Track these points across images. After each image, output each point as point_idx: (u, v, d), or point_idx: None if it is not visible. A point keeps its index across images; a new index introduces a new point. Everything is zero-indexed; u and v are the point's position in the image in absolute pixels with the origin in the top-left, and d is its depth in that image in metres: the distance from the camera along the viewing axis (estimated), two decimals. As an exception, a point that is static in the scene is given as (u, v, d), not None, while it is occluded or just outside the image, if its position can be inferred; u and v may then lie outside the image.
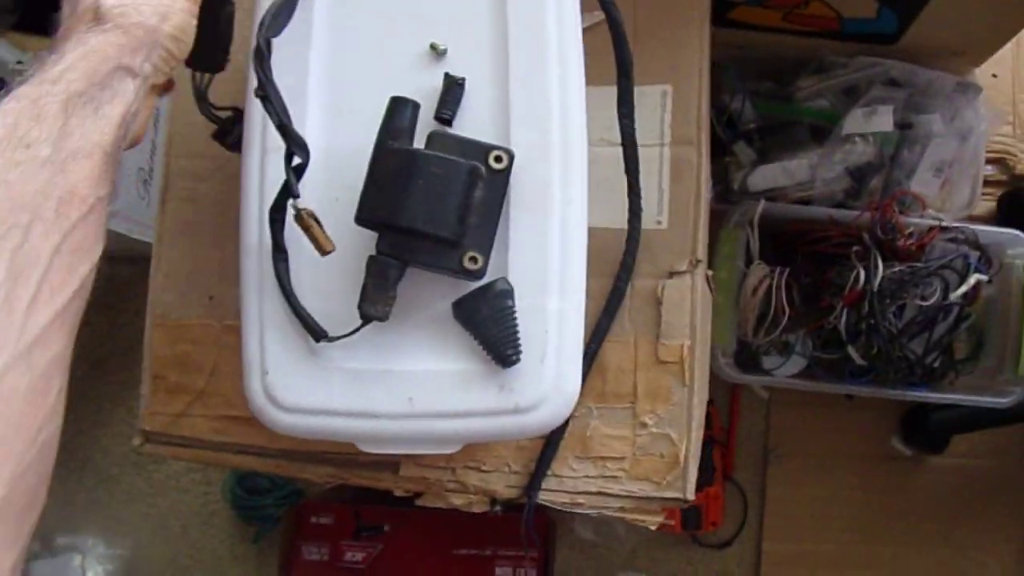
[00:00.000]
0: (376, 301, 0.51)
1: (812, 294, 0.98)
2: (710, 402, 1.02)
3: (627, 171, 0.63)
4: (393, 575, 0.90)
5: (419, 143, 0.53)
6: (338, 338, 0.53)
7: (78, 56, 0.47)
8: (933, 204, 0.98)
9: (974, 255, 0.94)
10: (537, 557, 0.89)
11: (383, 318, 0.51)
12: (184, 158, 0.71)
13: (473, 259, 0.52)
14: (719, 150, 1.02)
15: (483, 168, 0.53)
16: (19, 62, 0.99)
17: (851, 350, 0.95)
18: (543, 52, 0.56)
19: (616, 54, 0.59)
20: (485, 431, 0.55)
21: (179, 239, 0.71)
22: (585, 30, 0.58)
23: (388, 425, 0.55)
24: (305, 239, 0.51)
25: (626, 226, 0.65)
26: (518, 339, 0.53)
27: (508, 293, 0.54)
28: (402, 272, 0.51)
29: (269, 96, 0.49)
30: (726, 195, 1.01)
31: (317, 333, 0.53)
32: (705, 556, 1.07)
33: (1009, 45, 1.05)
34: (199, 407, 0.69)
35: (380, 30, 0.57)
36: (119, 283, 1.17)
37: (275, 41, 0.52)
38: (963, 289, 0.92)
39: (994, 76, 1.08)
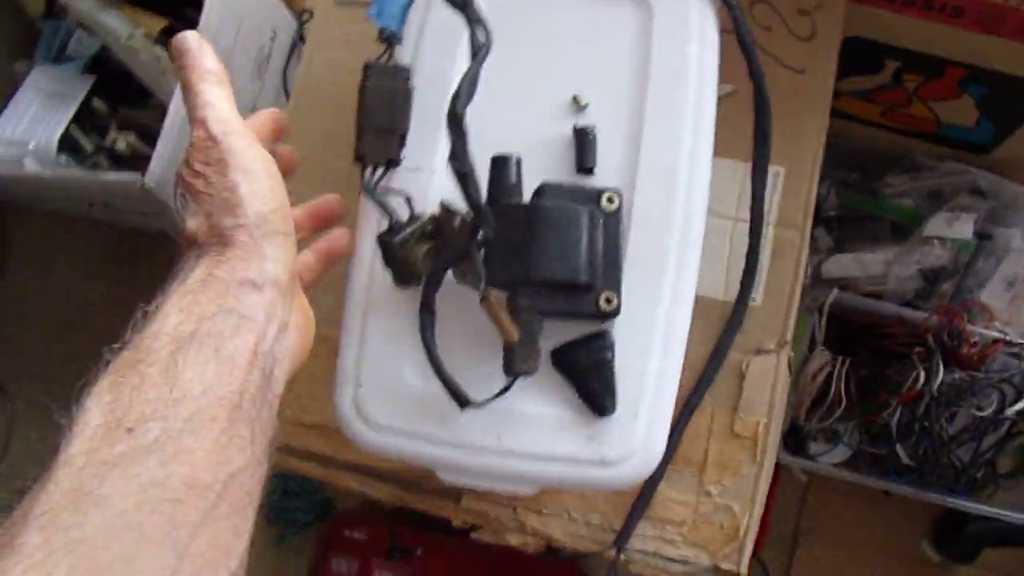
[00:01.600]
0: (526, 358, 0.52)
1: (869, 387, 0.98)
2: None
3: (750, 247, 0.65)
4: (419, 599, 0.90)
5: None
6: (485, 403, 0.53)
7: (180, 295, 0.40)
8: (1000, 317, 0.99)
9: (1033, 373, 0.95)
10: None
11: (532, 372, 0.52)
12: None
13: (608, 300, 0.53)
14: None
15: (598, 210, 0.54)
16: (131, 35, 1.01)
17: (900, 448, 0.95)
18: (679, 114, 0.57)
19: (757, 125, 0.61)
20: (567, 478, 0.56)
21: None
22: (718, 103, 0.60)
23: (473, 458, 0.56)
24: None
25: (722, 297, 0.67)
26: (615, 391, 0.54)
27: (610, 345, 0.55)
28: (540, 326, 0.52)
29: (467, 173, 0.49)
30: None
31: (463, 399, 0.53)
32: (721, 631, 1.07)
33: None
34: (272, 406, 0.70)
35: (527, 80, 0.58)
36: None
37: (421, 78, 0.54)
38: (1020, 405, 0.92)
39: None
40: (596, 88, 0.58)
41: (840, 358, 0.96)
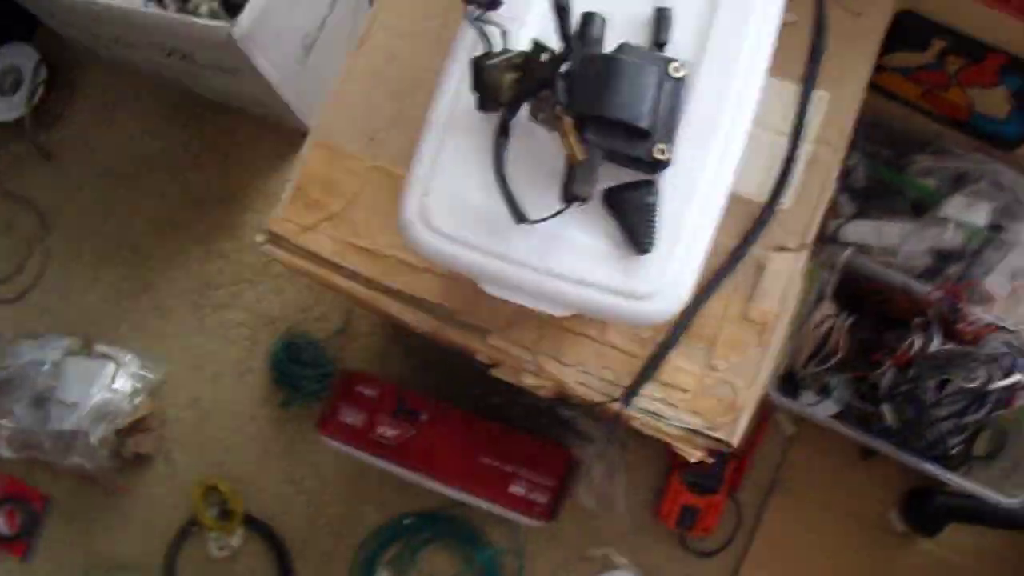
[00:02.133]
0: (585, 182, 0.60)
1: (867, 347, 1.06)
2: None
3: (787, 155, 0.73)
4: (418, 459, 0.98)
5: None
6: (540, 221, 0.61)
7: None
8: (999, 305, 1.07)
9: (1021, 360, 1.03)
10: (552, 487, 0.97)
11: (588, 198, 0.60)
12: (391, 15, 0.81)
13: (662, 151, 0.61)
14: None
15: (666, 75, 0.62)
16: None
17: (886, 408, 1.03)
18: (747, 15, 0.65)
19: (812, 45, 0.70)
20: (598, 305, 0.64)
21: (364, 80, 0.80)
22: (782, 28, 0.68)
23: (516, 272, 0.64)
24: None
25: (760, 199, 0.75)
26: (654, 233, 0.62)
27: (655, 192, 0.63)
28: (602, 159, 0.60)
29: (566, 6, 0.58)
30: (820, 236, 1.10)
31: (520, 215, 0.61)
32: (685, 559, 1.14)
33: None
34: (328, 227, 0.79)
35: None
36: (242, 136, 1.27)
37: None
38: (1004, 383, 1.00)
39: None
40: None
41: (844, 313, 1.04)
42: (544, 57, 0.61)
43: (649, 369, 0.73)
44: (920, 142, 1.10)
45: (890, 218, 1.08)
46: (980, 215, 1.06)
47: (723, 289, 0.74)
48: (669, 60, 0.63)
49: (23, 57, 1.30)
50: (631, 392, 0.73)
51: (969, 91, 1.01)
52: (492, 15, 0.64)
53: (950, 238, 1.07)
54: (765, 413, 1.15)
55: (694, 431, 0.73)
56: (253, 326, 1.23)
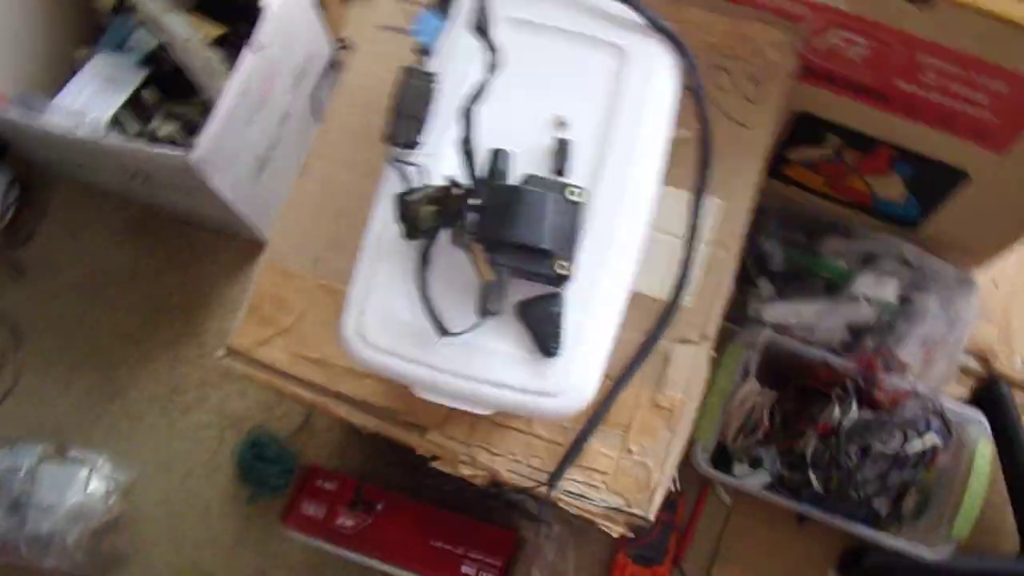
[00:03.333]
0: (496, 300, 0.71)
1: (792, 420, 1.17)
2: (680, 492, 1.22)
3: (685, 258, 0.85)
4: (373, 546, 1.07)
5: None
6: (459, 334, 0.72)
7: None
8: (913, 371, 1.18)
9: (936, 422, 1.13)
10: (499, 566, 1.06)
11: (498, 313, 0.71)
12: (330, 147, 0.93)
13: (562, 266, 0.72)
14: (745, 280, 1.24)
15: (564, 200, 0.74)
16: (189, 38, 1.22)
17: (812, 475, 1.13)
18: (636, 140, 0.77)
19: (700, 155, 0.82)
20: (514, 404, 0.74)
21: (307, 206, 0.92)
22: (675, 143, 0.81)
23: (445, 379, 0.74)
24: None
25: (662, 297, 0.86)
26: (560, 338, 0.73)
27: (560, 303, 0.74)
28: (509, 277, 0.72)
29: (470, 151, 0.72)
30: (741, 319, 1.22)
31: (443, 329, 0.73)
32: (635, 627, 1.24)
33: (1014, 261, 1.29)
34: (280, 340, 0.89)
35: (523, 97, 0.79)
36: (201, 248, 1.38)
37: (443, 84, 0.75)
38: (918, 445, 1.11)
39: (996, 285, 1.30)
40: (577, 111, 0.78)
41: (765, 389, 1.16)
42: (456, 192, 0.73)
43: (571, 455, 0.84)
44: (830, 225, 1.23)
45: (807, 298, 1.20)
46: (889, 290, 1.18)
47: (634, 380, 0.85)
48: (567, 186, 0.75)
49: (-6, 179, 1.42)
50: (555, 476, 0.83)
51: (868, 179, 1.13)
52: (411, 154, 0.76)
53: (863, 313, 1.18)
54: (704, 486, 1.25)
55: (615, 509, 0.83)
56: (219, 427, 1.32)
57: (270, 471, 1.28)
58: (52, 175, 1.44)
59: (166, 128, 1.27)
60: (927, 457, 1.14)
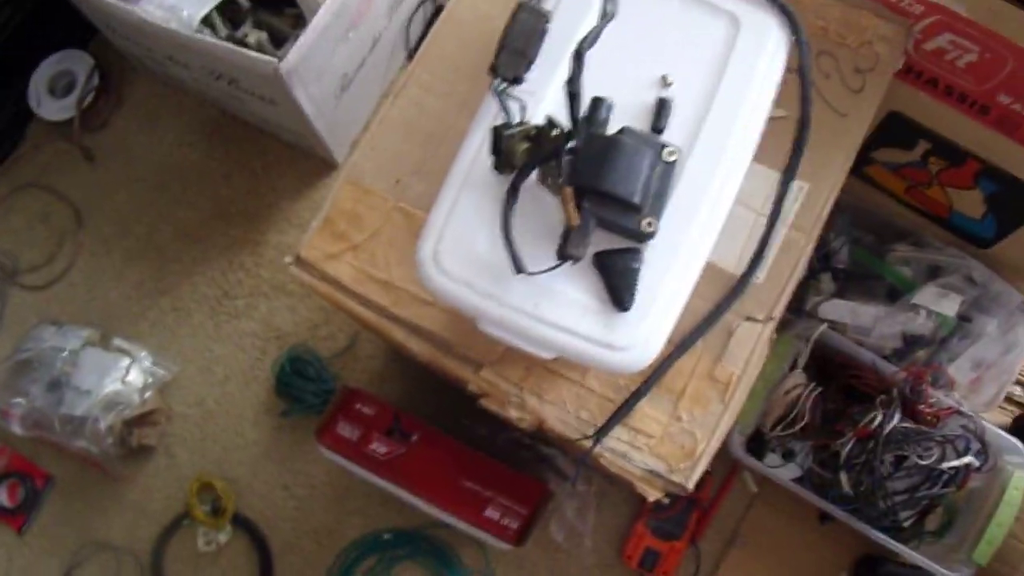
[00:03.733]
0: (578, 245, 0.71)
1: (832, 417, 1.17)
2: (708, 472, 1.22)
3: (763, 236, 0.85)
4: (404, 476, 1.09)
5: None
6: (536, 273, 0.73)
7: None
8: (960, 390, 1.18)
9: (976, 444, 1.13)
10: (523, 515, 1.08)
11: (579, 259, 0.72)
12: (427, 73, 0.94)
13: (649, 223, 0.72)
14: (808, 273, 1.24)
15: (659, 158, 0.74)
16: None
17: (843, 475, 1.14)
18: (737, 111, 0.77)
19: (795, 138, 0.82)
20: (579, 352, 0.75)
21: (395, 128, 0.92)
22: (771, 121, 0.81)
23: (511, 315, 0.75)
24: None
25: (736, 271, 0.86)
26: (634, 294, 0.74)
27: (640, 259, 0.74)
28: (595, 226, 0.72)
29: (577, 93, 0.71)
30: (798, 310, 1.22)
31: (520, 267, 0.73)
32: (644, 600, 1.25)
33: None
34: (350, 256, 0.90)
35: (632, 53, 0.79)
36: (273, 159, 1.39)
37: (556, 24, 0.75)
38: (955, 463, 1.11)
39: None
40: (682, 73, 0.78)
41: (812, 383, 1.16)
42: (554, 133, 0.73)
43: (621, 413, 0.84)
44: (901, 232, 1.22)
45: (866, 300, 1.19)
46: (951, 306, 1.18)
47: (694, 349, 0.85)
48: (663, 145, 0.75)
49: (78, 63, 1.43)
50: (603, 431, 0.84)
51: (948, 190, 1.13)
52: (514, 90, 0.76)
53: (920, 324, 1.18)
54: (733, 469, 1.26)
55: (655, 473, 0.84)
56: (264, 338, 1.34)
57: (308, 388, 1.30)
58: (134, 67, 1.45)
59: (255, 35, 1.28)
60: (959, 477, 1.14)
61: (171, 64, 1.28)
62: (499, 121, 0.74)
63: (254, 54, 1.11)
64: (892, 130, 1.07)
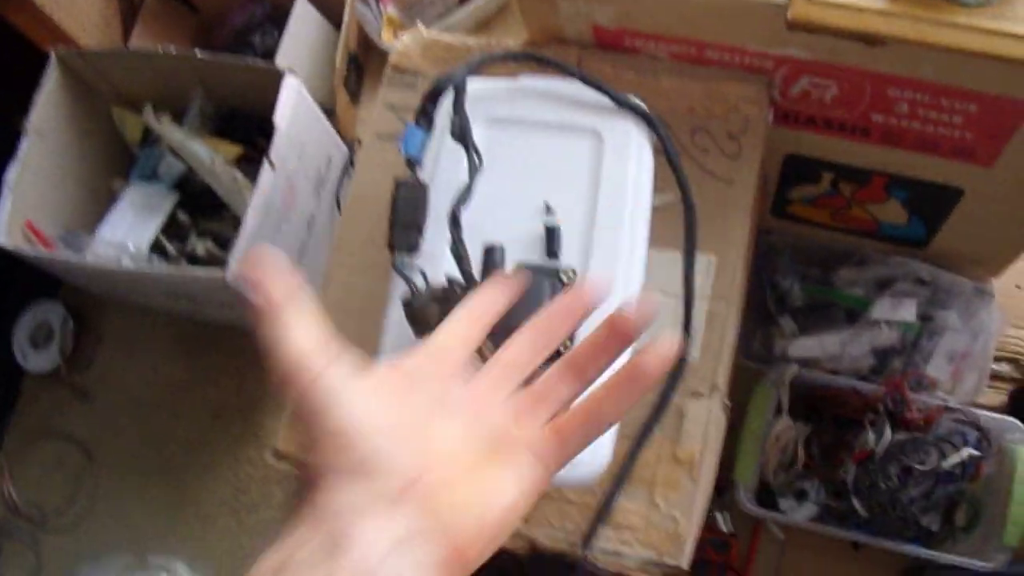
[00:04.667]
0: None
1: (830, 450, 1.22)
2: (732, 534, 1.27)
3: (685, 316, 0.91)
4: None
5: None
6: None
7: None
8: (944, 388, 1.22)
9: (973, 434, 1.17)
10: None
11: None
12: (346, 255, 1.02)
13: (566, 345, 0.78)
14: (768, 321, 1.29)
15: (559, 283, 0.81)
16: (212, 160, 1.33)
17: (855, 502, 1.18)
18: (620, 216, 0.84)
19: (685, 221, 0.89)
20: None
21: (334, 314, 0.99)
22: (660, 207, 0.88)
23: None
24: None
25: (667, 355, 0.93)
26: (570, 413, 0.80)
27: (568, 380, 0.81)
28: None
29: (463, 253, 0.79)
30: (768, 359, 1.27)
31: None
32: (709, 672, 1.28)
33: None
34: (322, 441, 0.97)
35: (510, 190, 0.87)
36: (250, 353, 1.48)
37: (435, 189, 0.83)
38: (954, 460, 1.15)
39: (1018, 287, 1.34)
40: (562, 195, 0.86)
41: (799, 423, 1.21)
42: (459, 291, 0.81)
43: (601, 516, 0.90)
44: (842, 256, 1.28)
45: (829, 330, 1.25)
46: (908, 311, 1.23)
47: (654, 437, 0.91)
48: (558, 269, 0.82)
49: (51, 313, 1.54)
50: (589, 537, 0.89)
51: (868, 207, 1.19)
52: (414, 258, 0.84)
53: (886, 336, 1.23)
54: (756, 525, 1.30)
55: (649, 562, 0.89)
56: (285, 522, 1.41)
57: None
58: (103, 302, 1.55)
59: (202, 245, 1.38)
60: (969, 469, 1.18)
61: (135, 295, 1.39)
62: (405, 293, 0.82)
63: (200, 271, 1.21)
64: (795, 170, 1.14)
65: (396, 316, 0.85)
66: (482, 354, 0.79)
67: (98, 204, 1.44)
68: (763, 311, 1.29)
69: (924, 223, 1.19)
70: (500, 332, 0.80)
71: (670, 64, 1.02)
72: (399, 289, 0.85)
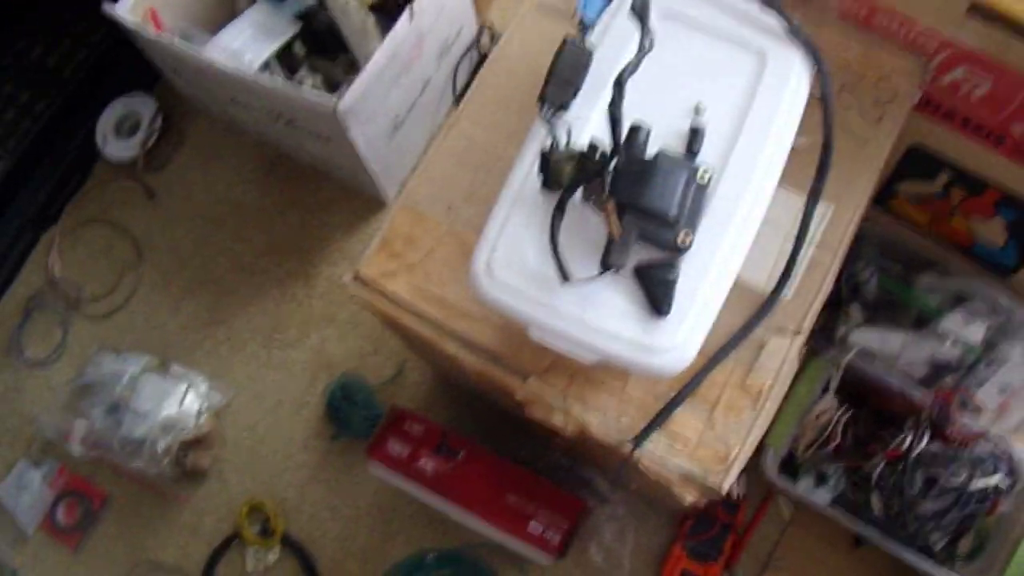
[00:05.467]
0: (620, 255, 0.80)
1: (863, 441, 1.23)
2: (743, 496, 1.29)
3: (791, 254, 0.93)
4: (451, 491, 1.16)
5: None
6: (581, 281, 0.81)
7: None
8: (987, 416, 1.24)
9: (1004, 466, 1.19)
10: (565, 528, 1.15)
11: (621, 268, 0.80)
12: (477, 108, 1.03)
13: (684, 236, 0.81)
14: (837, 304, 1.31)
15: (693, 179, 0.83)
16: (347, 1, 1.33)
17: (874, 497, 1.20)
18: (764, 137, 0.86)
19: (820, 161, 0.90)
20: (621, 355, 0.83)
21: (448, 159, 1.02)
22: (794, 147, 0.89)
23: (559, 322, 0.83)
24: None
25: (765, 290, 0.94)
26: (672, 301, 0.82)
27: (676, 270, 0.83)
28: (635, 239, 0.81)
29: (619, 117, 0.80)
30: (829, 338, 1.29)
31: (566, 275, 0.82)
32: (681, 621, 1.31)
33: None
34: (406, 273, 0.99)
35: (668, 83, 0.88)
36: (325, 197, 1.50)
37: (599, 56, 0.85)
38: (982, 484, 1.17)
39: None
40: (714, 102, 0.87)
41: (843, 407, 1.22)
42: (598, 155, 0.82)
43: (660, 418, 0.92)
44: (927, 262, 1.29)
45: (894, 328, 1.26)
46: (976, 333, 1.24)
47: (727, 361, 0.93)
48: (697, 168, 0.84)
49: (143, 106, 1.55)
50: (642, 436, 0.91)
51: (970, 220, 1.20)
52: (560, 116, 0.85)
53: (947, 351, 1.25)
54: (767, 495, 1.32)
55: (691, 476, 0.91)
56: (315, 366, 1.43)
57: (357, 414, 1.38)
58: (196, 110, 1.57)
59: (310, 80, 1.39)
60: (989, 499, 1.20)
61: (232, 106, 1.39)
62: (547, 145, 0.83)
63: (314, 94, 1.22)
64: (913, 163, 1.15)
65: (527, 165, 0.87)
66: (609, 217, 0.81)
67: (221, 14, 1.44)
68: (834, 293, 1.30)
69: (1020, 251, 1.20)
70: (635, 212, 0.82)
71: (838, 18, 1.02)
72: (537, 141, 0.87)
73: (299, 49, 1.42)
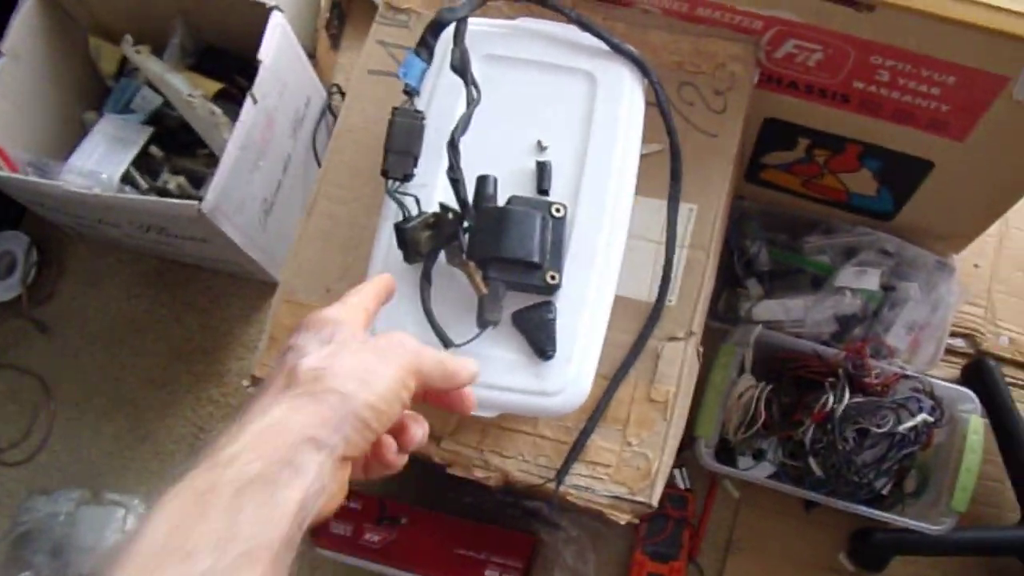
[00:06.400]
0: (492, 312, 0.81)
1: (789, 410, 1.26)
2: (689, 490, 1.31)
3: (666, 261, 0.94)
4: (401, 559, 1.16)
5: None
6: (462, 344, 0.82)
7: (256, 432, 0.46)
8: (901, 356, 1.28)
9: (927, 402, 1.22)
10: (521, 567, 1.15)
11: (496, 323, 0.81)
12: (332, 185, 1.03)
13: (552, 276, 0.82)
14: (735, 283, 1.34)
15: (549, 216, 0.84)
16: (191, 94, 1.33)
17: (812, 462, 1.22)
18: (610, 156, 0.88)
19: (671, 167, 0.92)
20: (518, 405, 0.84)
21: (315, 242, 1.02)
22: (645, 156, 0.91)
23: (451, 387, 0.84)
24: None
25: (648, 299, 0.96)
26: (555, 342, 0.83)
27: (553, 310, 0.84)
28: (505, 290, 0.82)
29: (459, 178, 0.81)
30: (733, 320, 1.31)
31: (447, 342, 0.82)
32: (660, 624, 1.32)
33: (992, 242, 1.38)
34: (300, 368, 0.99)
35: (505, 126, 0.89)
36: (217, 291, 1.49)
37: (430, 120, 0.86)
38: (910, 423, 1.19)
39: (976, 266, 1.39)
40: (554, 134, 0.89)
41: (762, 383, 1.25)
42: (450, 216, 0.83)
43: (575, 451, 0.93)
44: (810, 224, 1.32)
45: (794, 294, 1.29)
46: (872, 280, 1.28)
47: (628, 378, 0.94)
48: (550, 204, 0.85)
49: (15, 242, 1.52)
50: (562, 472, 0.92)
51: (840, 176, 1.23)
52: (407, 186, 0.86)
53: (849, 304, 1.28)
54: (712, 482, 1.34)
55: (619, 498, 0.92)
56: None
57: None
58: (68, 235, 1.54)
59: (174, 181, 1.38)
60: (921, 436, 1.23)
61: (102, 226, 1.38)
62: (399, 218, 0.84)
63: (176, 200, 1.21)
64: (772, 134, 1.18)
65: (385, 241, 0.87)
66: (472, 277, 0.82)
67: (69, 135, 1.42)
68: (730, 274, 1.33)
69: (893, 195, 1.23)
70: (498, 263, 0.82)
71: (661, 19, 1.04)
72: (390, 215, 0.87)
73: (157, 151, 1.41)
